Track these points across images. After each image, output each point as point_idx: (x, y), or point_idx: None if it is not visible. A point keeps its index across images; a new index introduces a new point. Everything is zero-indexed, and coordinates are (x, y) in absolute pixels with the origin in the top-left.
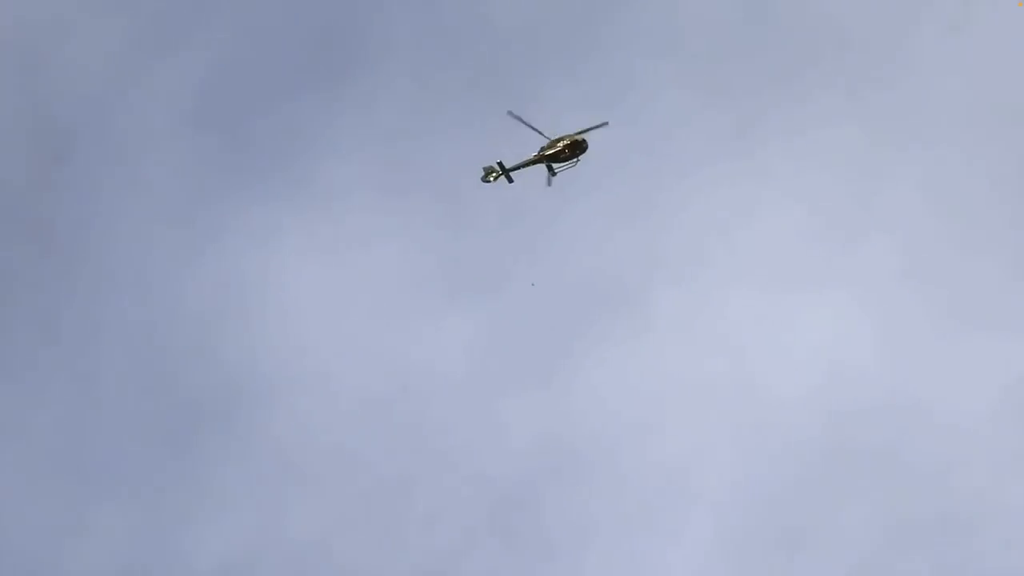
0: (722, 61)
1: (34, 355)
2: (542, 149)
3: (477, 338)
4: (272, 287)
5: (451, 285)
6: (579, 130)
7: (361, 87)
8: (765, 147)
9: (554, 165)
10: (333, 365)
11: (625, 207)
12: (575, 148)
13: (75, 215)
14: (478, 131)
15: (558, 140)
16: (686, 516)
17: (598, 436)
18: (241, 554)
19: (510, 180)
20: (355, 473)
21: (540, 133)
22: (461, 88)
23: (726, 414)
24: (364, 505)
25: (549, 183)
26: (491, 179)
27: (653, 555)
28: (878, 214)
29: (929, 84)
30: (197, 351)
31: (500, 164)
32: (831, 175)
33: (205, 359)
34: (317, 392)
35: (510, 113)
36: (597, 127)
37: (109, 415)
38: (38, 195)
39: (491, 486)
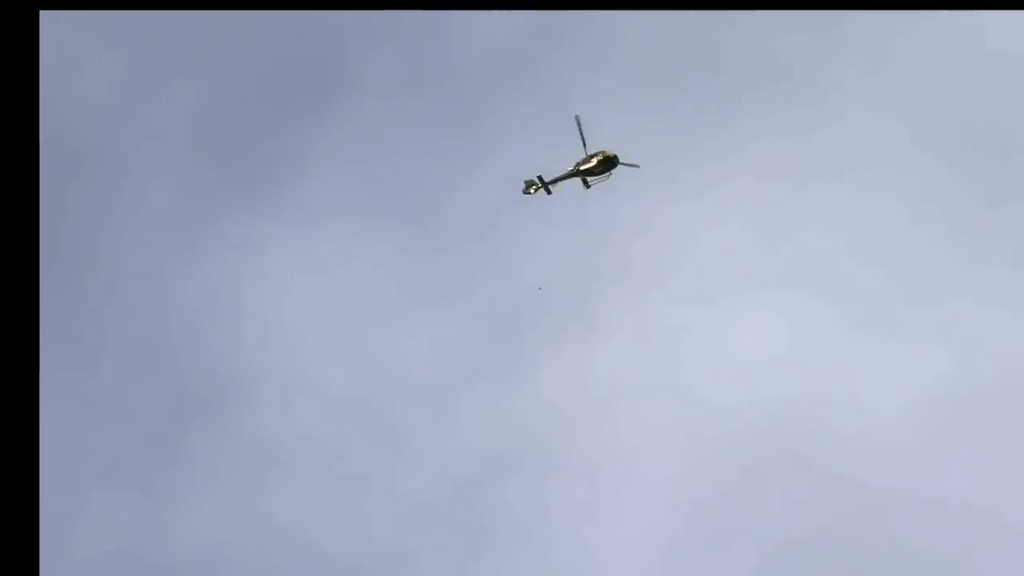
0: (665, 87)
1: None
2: (577, 164)
3: (443, 340)
4: (259, 294)
5: (420, 293)
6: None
7: (341, 115)
8: (702, 167)
9: (588, 179)
10: (311, 364)
11: (574, 224)
12: (607, 164)
13: (80, 226)
14: (449, 156)
15: (592, 156)
16: (628, 507)
17: (549, 430)
18: (225, 538)
19: (549, 192)
20: (330, 463)
21: (584, 146)
22: (436, 114)
23: (661, 412)
24: (337, 493)
25: (587, 185)
26: (532, 191)
27: (598, 541)
28: (803, 232)
29: (853, 118)
30: (189, 351)
31: (540, 178)
32: (762, 194)
33: (196, 359)
34: (296, 389)
35: (577, 118)
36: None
37: (106, 408)
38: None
39: (453, 474)
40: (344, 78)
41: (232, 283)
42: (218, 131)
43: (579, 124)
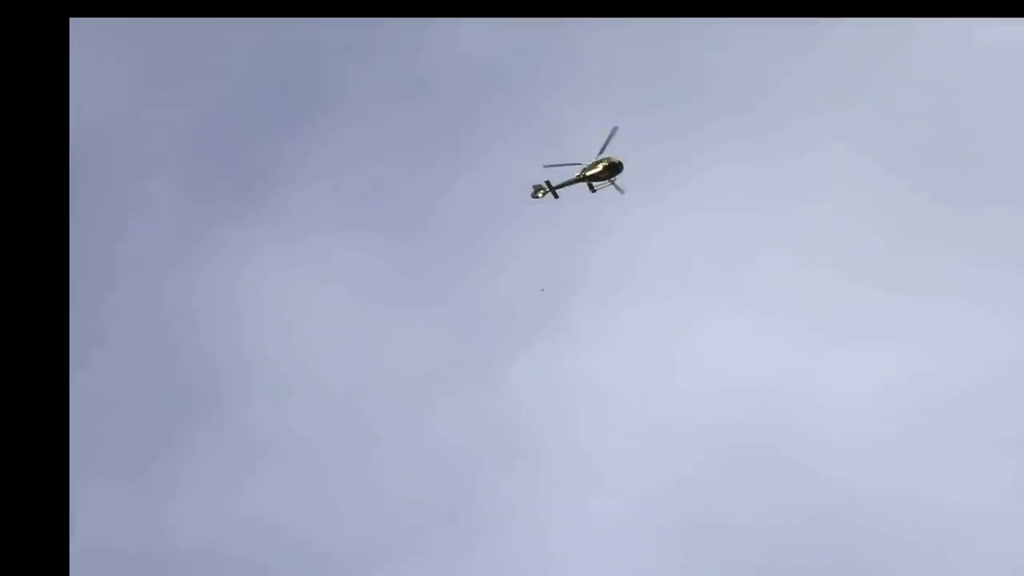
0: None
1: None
2: (584, 169)
3: (425, 342)
4: (252, 296)
5: (404, 296)
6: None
7: (331, 123)
8: (676, 186)
9: (594, 184)
10: (301, 365)
11: (555, 230)
12: (612, 170)
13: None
14: (435, 162)
15: (598, 162)
16: (599, 503)
17: (526, 429)
18: (216, 533)
19: (556, 196)
20: (319, 461)
21: (601, 151)
22: (425, 124)
23: (636, 412)
24: (326, 489)
25: (593, 190)
26: (540, 195)
27: (568, 537)
28: (772, 242)
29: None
30: (184, 350)
31: (547, 183)
32: (728, 209)
33: (192, 357)
34: (286, 388)
35: (614, 129)
36: (610, 138)
37: (102, 406)
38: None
39: (436, 471)
40: (334, 85)
41: (225, 285)
42: (213, 136)
43: (611, 134)
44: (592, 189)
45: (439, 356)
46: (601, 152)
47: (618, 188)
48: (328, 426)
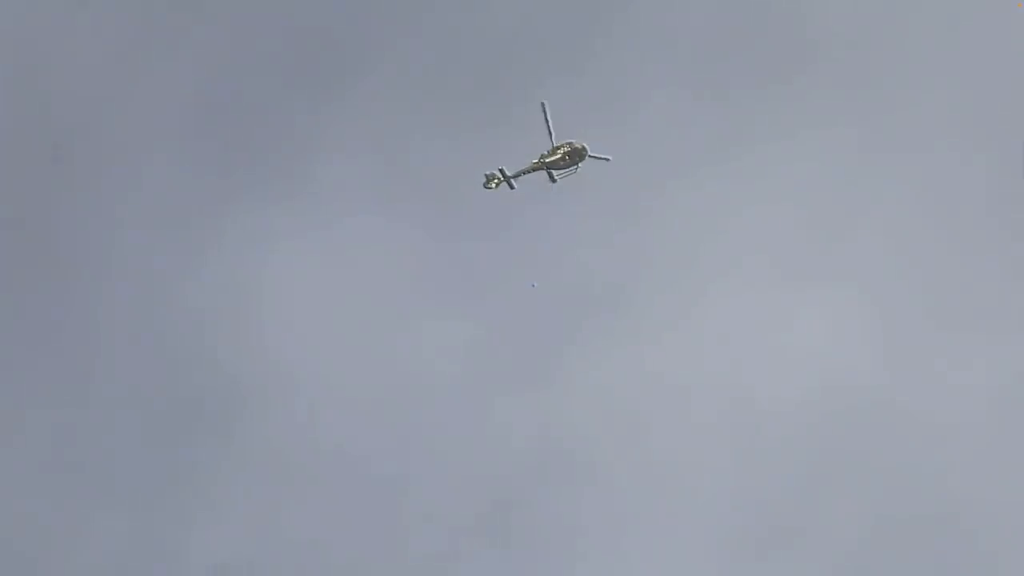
0: (715, 62)
1: (32, 354)
2: (542, 156)
3: (472, 339)
4: (268, 288)
5: (445, 287)
6: (578, 146)
7: (357, 89)
8: (755, 148)
9: (554, 172)
10: (330, 365)
11: (615, 209)
12: (574, 156)
13: (73, 215)
14: (476, 134)
15: (558, 148)
16: (677, 517)
17: (591, 436)
18: (238, 554)
19: (511, 187)
20: (351, 473)
21: (550, 136)
22: (458, 91)
23: (718, 415)
24: (360, 505)
25: (553, 180)
26: (493, 185)
27: (643, 555)
28: (872, 214)
29: (924, 85)
30: (195, 351)
31: (501, 171)
32: (823, 176)
33: (203, 359)
34: (313, 392)
35: (543, 104)
36: (600, 159)
37: (104, 414)
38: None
39: (485, 485)
40: (356, 62)
41: (239, 278)
42: (221, 114)
43: (544, 112)
44: (552, 179)
45: (495, 352)
46: (550, 135)
47: (601, 157)
48: (364, 435)
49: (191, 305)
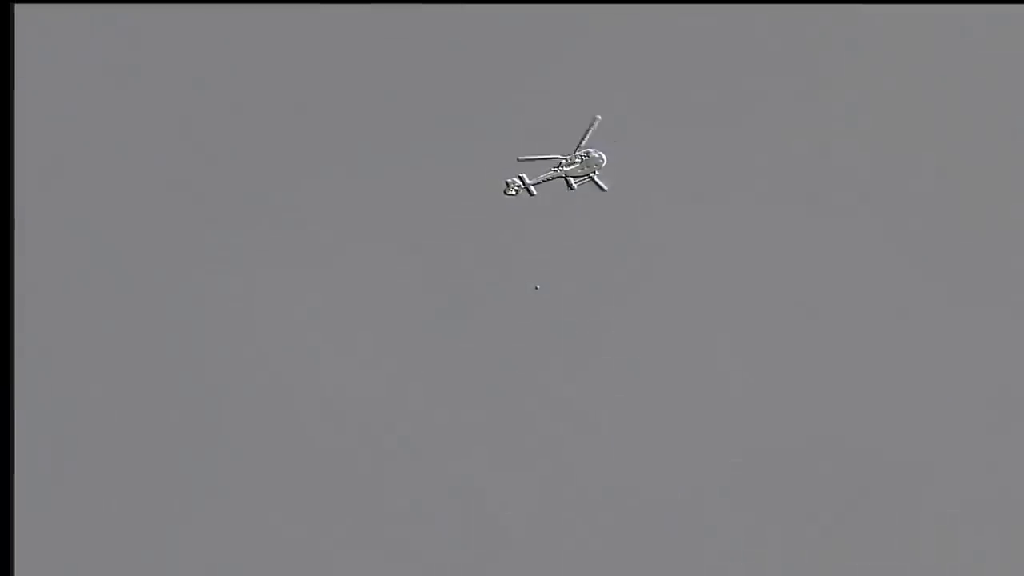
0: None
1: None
2: (560, 164)
3: (454, 349)
4: (257, 299)
5: (431, 297)
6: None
7: (339, 103)
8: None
9: (572, 180)
10: (318, 373)
11: (600, 221)
12: (590, 164)
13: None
14: (463, 144)
15: (576, 156)
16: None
17: (573, 443)
18: (231, 556)
19: (531, 193)
20: (339, 477)
21: (578, 145)
22: (444, 99)
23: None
24: (347, 509)
25: (571, 187)
26: (513, 192)
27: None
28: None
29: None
30: (184, 360)
31: (521, 178)
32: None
33: (192, 368)
34: (302, 399)
35: (595, 118)
36: (591, 127)
37: (100, 420)
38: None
39: (468, 490)
40: (348, 75)
41: (231, 290)
42: (212, 126)
43: (592, 125)
44: (570, 186)
45: (478, 360)
46: (579, 143)
47: (599, 185)
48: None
49: (180, 312)
